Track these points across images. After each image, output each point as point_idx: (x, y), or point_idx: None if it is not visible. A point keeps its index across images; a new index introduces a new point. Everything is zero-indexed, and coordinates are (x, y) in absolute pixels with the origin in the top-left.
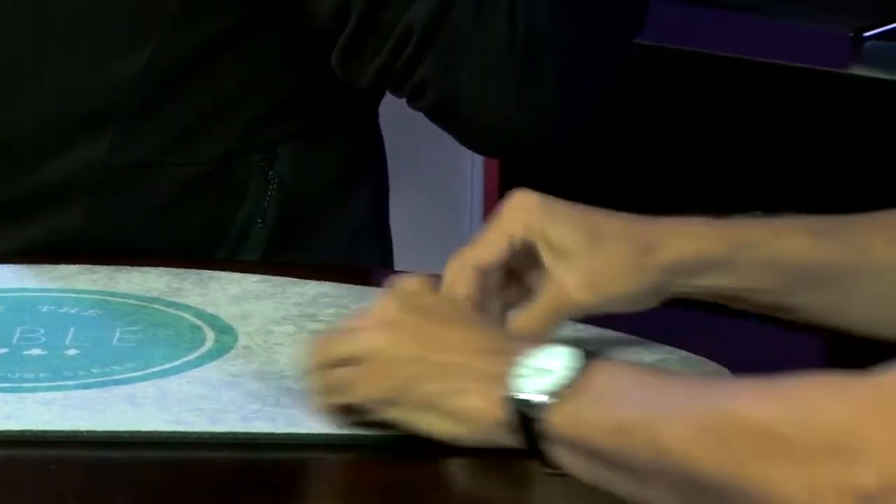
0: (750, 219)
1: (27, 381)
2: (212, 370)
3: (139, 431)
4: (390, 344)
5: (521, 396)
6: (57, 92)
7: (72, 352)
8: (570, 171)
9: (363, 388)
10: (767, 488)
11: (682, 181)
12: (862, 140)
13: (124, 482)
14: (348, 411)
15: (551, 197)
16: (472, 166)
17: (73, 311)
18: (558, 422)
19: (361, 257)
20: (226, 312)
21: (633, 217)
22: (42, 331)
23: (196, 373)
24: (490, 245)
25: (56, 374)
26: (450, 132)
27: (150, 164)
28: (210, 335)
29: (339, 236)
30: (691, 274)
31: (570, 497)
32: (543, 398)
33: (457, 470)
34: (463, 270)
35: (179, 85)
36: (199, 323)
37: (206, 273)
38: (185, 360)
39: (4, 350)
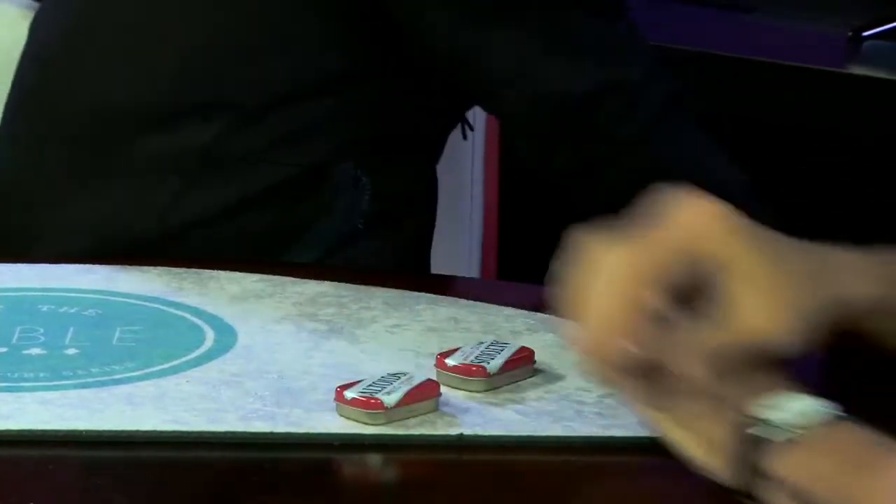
0: None
1: (26, 380)
2: (211, 370)
3: (138, 431)
4: None
5: (757, 432)
6: (182, 70)
7: (71, 351)
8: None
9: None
10: None
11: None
12: (860, 139)
13: (123, 482)
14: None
15: (730, 209)
16: (472, 166)
17: (72, 311)
18: (780, 462)
19: None
20: (225, 312)
21: (805, 246)
22: (41, 330)
23: (195, 372)
24: (663, 252)
25: (55, 373)
26: None
27: (248, 159)
28: (210, 335)
29: (383, 256)
30: (862, 315)
31: (564, 497)
32: (775, 435)
33: (457, 470)
34: (629, 275)
35: (299, 96)
36: (198, 322)
37: (206, 273)
38: (184, 359)
39: (4, 349)
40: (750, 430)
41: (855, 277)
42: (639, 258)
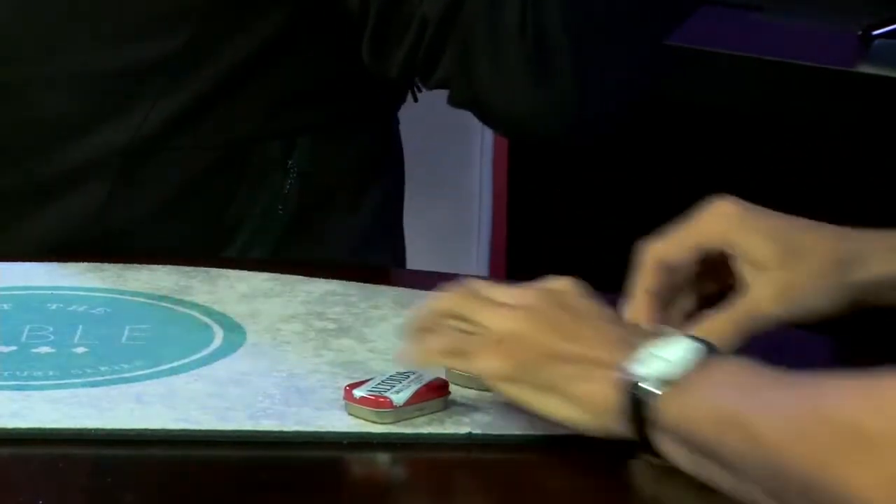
0: None
1: (35, 379)
2: (220, 368)
3: (147, 430)
4: (526, 327)
5: (636, 381)
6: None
7: (80, 350)
8: (573, 169)
9: (487, 362)
10: (848, 487)
11: (690, 180)
12: (870, 138)
13: (132, 480)
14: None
15: (750, 205)
16: (480, 166)
17: (81, 310)
18: (665, 410)
19: (372, 256)
20: (234, 310)
21: (831, 229)
22: (50, 329)
23: (204, 371)
24: (679, 245)
25: (64, 372)
26: (483, 122)
27: (168, 148)
28: (219, 333)
29: (349, 232)
30: (889, 291)
31: (573, 495)
32: (655, 385)
33: (466, 469)
34: (647, 264)
35: (201, 68)
36: (207, 321)
37: (215, 271)
38: (193, 358)
39: (13, 348)
40: (631, 388)
41: (886, 256)
42: (656, 252)
